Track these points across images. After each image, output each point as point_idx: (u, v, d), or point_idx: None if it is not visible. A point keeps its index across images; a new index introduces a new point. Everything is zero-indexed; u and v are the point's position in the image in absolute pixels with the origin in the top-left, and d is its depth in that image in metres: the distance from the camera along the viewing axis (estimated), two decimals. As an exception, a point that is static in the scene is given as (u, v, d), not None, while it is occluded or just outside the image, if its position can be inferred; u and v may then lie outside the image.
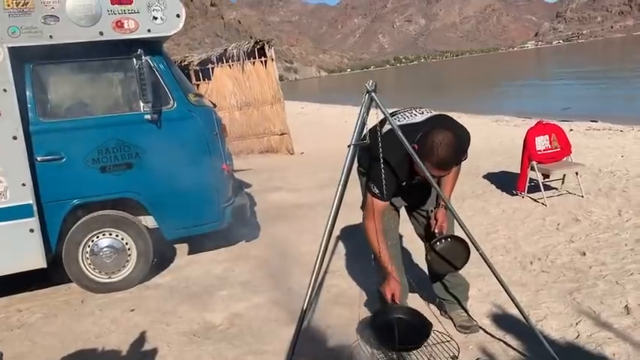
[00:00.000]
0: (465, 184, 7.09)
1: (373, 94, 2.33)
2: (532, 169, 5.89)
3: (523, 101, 22.55)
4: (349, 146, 2.40)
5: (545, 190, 5.83)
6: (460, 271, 3.28)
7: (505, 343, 2.98)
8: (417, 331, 2.54)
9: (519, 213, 5.55)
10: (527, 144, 5.94)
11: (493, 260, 4.18)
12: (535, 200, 5.89)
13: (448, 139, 2.45)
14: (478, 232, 4.99)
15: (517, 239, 4.75)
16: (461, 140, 2.62)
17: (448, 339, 2.69)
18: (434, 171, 2.49)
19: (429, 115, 2.78)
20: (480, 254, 2.60)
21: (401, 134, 2.36)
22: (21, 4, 3.86)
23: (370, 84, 2.34)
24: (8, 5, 3.82)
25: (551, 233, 4.82)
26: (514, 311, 3.06)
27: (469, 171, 7.90)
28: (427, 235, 3.13)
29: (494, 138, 11.61)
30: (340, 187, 2.39)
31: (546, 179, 6.05)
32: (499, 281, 2.76)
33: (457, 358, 2.68)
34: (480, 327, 3.18)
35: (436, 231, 3.00)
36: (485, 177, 7.41)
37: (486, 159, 8.83)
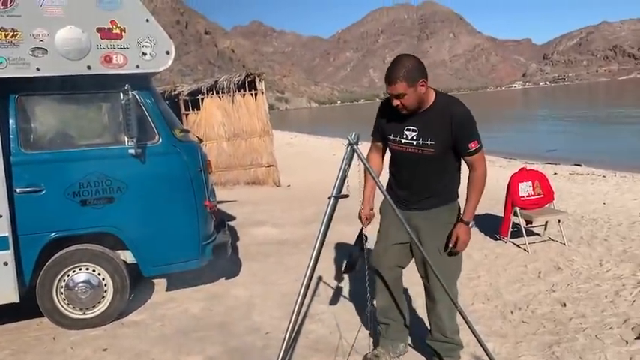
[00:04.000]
0: (449, 226, 7.09)
1: (355, 146, 2.34)
2: (515, 214, 5.92)
3: (509, 141, 22.86)
4: (329, 198, 2.39)
5: (527, 236, 5.86)
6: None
7: (483, 398, 2.93)
8: None
9: (502, 259, 5.55)
10: (511, 190, 5.99)
11: (474, 308, 4.20)
12: (518, 246, 5.91)
13: (402, 57, 2.74)
14: (460, 276, 4.96)
15: (499, 286, 4.73)
16: (413, 65, 2.73)
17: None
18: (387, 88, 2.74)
19: None
20: (459, 311, 2.58)
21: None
22: (10, 36, 3.85)
23: (353, 136, 2.34)
24: (-3, 37, 3.82)
25: (532, 281, 4.82)
26: (493, 364, 3.02)
27: (453, 212, 7.93)
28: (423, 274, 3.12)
29: (480, 178, 11.69)
30: (319, 239, 2.36)
31: (529, 225, 6.09)
32: (475, 335, 2.73)
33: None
34: (458, 380, 3.13)
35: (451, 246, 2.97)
36: (469, 219, 7.41)
37: (471, 200, 8.86)
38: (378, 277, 3.22)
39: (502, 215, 6.26)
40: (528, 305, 4.25)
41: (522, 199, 5.95)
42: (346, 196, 2.39)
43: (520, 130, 30.04)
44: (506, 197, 6.08)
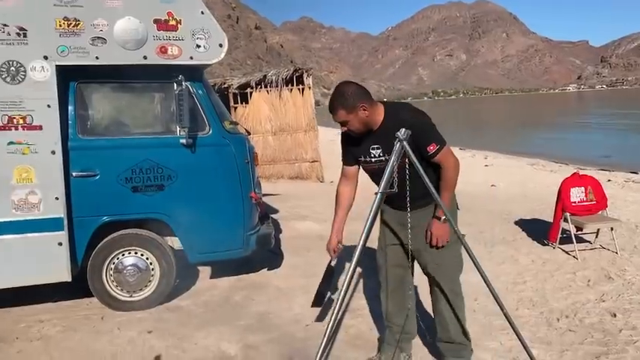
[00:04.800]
0: (495, 228, 6.98)
1: (405, 142, 2.32)
2: (565, 220, 5.74)
3: (561, 146, 22.18)
4: (376, 193, 2.38)
5: (577, 243, 5.67)
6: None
7: (524, 405, 2.86)
8: None
9: (549, 265, 5.39)
10: (562, 194, 5.80)
11: (518, 313, 4.10)
12: (567, 252, 5.72)
13: (340, 85, 2.82)
14: (505, 281, 4.88)
15: (545, 293, 4.61)
16: (350, 92, 2.76)
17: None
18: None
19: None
20: (505, 314, 2.53)
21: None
22: (72, 25, 4.01)
23: (402, 132, 2.33)
24: (60, 25, 3.98)
25: (581, 289, 4.66)
26: (536, 372, 2.95)
27: (500, 215, 7.77)
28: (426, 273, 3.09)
29: (529, 183, 11.42)
30: (364, 235, 2.36)
31: (579, 232, 5.88)
32: (520, 340, 2.67)
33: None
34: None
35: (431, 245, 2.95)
36: (516, 223, 7.25)
37: (519, 204, 8.67)
38: (380, 278, 3.24)
39: (551, 220, 6.08)
40: (576, 314, 4.12)
41: (574, 204, 5.76)
42: (393, 191, 2.38)
43: (573, 134, 29.05)
44: (557, 202, 5.90)
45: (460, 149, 19.06)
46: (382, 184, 2.36)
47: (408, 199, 2.52)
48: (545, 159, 16.24)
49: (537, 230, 6.60)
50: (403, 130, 2.32)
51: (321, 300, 3.10)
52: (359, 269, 4.99)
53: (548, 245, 6.02)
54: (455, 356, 3.12)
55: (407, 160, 2.61)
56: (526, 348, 2.74)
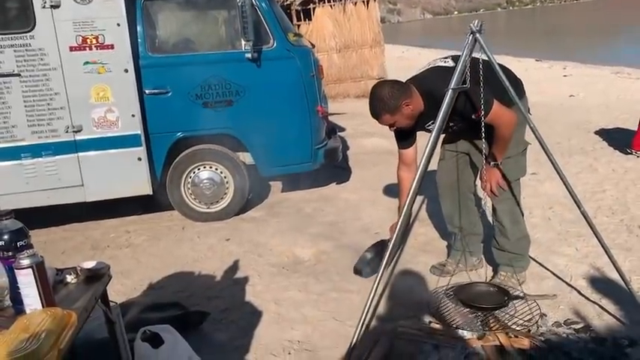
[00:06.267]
0: (572, 139, 6.65)
1: (478, 34, 2.19)
2: (652, 126, 5.37)
3: (649, 52, 20.29)
4: (447, 90, 2.30)
5: (664, 151, 5.32)
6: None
7: (600, 306, 2.82)
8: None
9: (631, 173, 5.12)
10: (650, 99, 5.39)
11: (596, 221, 3.92)
12: (652, 161, 5.40)
13: (375, 89, 2.69)
14: (583, 190, 4.69)
15: (626, 201, 4.41)
16: (388, 95, 2.61)
17: (531, 299, 2.60)
18: None
19: (430, 66, 2.80)
20: (582, 212, 2.45)
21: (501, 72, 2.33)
22: (135, -60, 3.99)
23: (475, 24, 2.19)
24: (122, -58, 3.97)
25: (666, 198, 4.43)
26: (614, 275, 2.88)
27: (578, 126, 7.38)
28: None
29: (612, 92, 10.66)
30: (435, 132, 2.32)
31: (667, 139, 5.51)
32: (599, 242, 2.59)
33: (543, 317, 2.61)
34: (574, 288, 3.04)
35: (486, 194, 2.90)
36: (596, 133, 6.87)
37: (600, 114, 8.17)
38: (439, 184, 3.24)
39: (636, 129, 5.71)
40: (660, 221, 3.94)
41: (662, 109, 5.35)
42: (465, 88, 2.29)
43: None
44: (643, 107, 5.50)
45: (536, 61, 17.96)
46: (454, 79, 2.27)
47: (482, 92, 2.36)
48: (631, 67, 15.00)
49: (619, 139, 6.23)
50: (476, 21, 2.19)
51: (361, 268, 3.04)
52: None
53: (631, 154, 5.70)
54: (510, 265, 3.04)
55: (450, 130, 2.50)
56: (607, 251, 2.64)
